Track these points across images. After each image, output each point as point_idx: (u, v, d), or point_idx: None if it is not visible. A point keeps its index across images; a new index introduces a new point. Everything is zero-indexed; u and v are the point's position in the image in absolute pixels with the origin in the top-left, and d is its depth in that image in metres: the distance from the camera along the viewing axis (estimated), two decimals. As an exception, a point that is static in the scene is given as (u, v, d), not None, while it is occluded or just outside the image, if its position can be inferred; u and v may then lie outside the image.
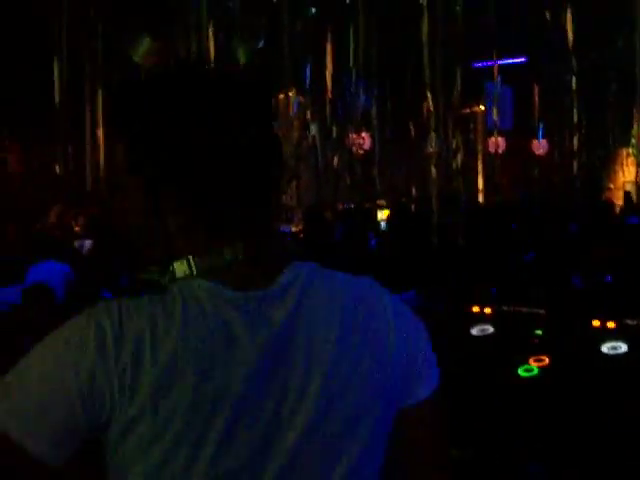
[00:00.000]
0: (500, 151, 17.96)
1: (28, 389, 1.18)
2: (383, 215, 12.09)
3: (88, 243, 7.65)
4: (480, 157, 18.99)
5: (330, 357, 1.26)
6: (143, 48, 10.21)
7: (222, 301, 1.23)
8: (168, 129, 1.24)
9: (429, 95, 9.34)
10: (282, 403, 1.23)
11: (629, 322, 3.52)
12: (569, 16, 12.66)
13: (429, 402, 1.35)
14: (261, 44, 11.36)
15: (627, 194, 14.69)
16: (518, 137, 18.41)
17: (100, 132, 10.62)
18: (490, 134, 17.57)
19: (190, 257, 1.27)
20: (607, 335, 3.48)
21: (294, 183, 13.98)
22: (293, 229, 11.10)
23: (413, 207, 11.41)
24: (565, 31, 12.91)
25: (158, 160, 1.25)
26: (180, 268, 1.27)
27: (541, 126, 18.30)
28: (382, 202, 13.90)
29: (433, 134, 9.34)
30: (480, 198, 17.99)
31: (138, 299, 1.24)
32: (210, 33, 9.23)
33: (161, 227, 1.28)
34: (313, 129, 14.11)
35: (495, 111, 15.06)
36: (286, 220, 12.37)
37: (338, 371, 1.26)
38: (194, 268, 1.26)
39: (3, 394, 1.19)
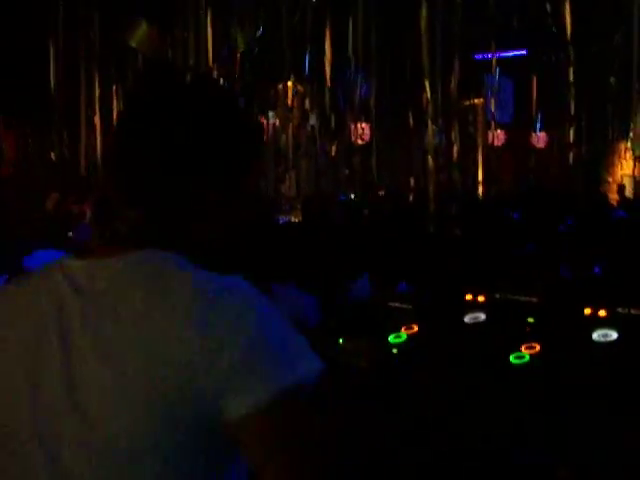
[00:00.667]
0: (499, 144, 17.96)
1: None
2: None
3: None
4: (480, 149, 18.98)
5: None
6: (139, 33, 10.16)
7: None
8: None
9: (427, 86, 9.33)
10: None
11: (620, 310, 3.54)
12: (568, 8, 12.64)
13: (252, 419, 1.16)
14: (260, 32, 11.34)
15: (621, 188, 14.68)
16: (518, 130, 18.40)
17: (97, 118, 10.62)
18: (490, 126, 17.56)
19: None
20: (598, 323, 3.50)
21: (293, 173, 13.97)
22: (293, 219, 11.09)
23: (411, 198, 11.42)
24: (564, 23, 12.89)
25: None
26: None
27: (539, 119, 18.26)
28: (382, 193, 13.89)
29: (431, 126, 9.33)
30: (480, 190, 17.98)
31: None
32: (208, 21, 9.21)
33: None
34: (312, 119, 14.06)
35: (494, 104, 15.03)
36: (286, 210, 12.36)
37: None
38: None
39: None
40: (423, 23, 9.41)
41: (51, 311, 1.26)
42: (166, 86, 1.38)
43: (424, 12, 9.34)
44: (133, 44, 10.34)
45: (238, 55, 10.43)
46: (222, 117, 1.34)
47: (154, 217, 1.31)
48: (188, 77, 1.45)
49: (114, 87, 11.84)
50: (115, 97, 11.60)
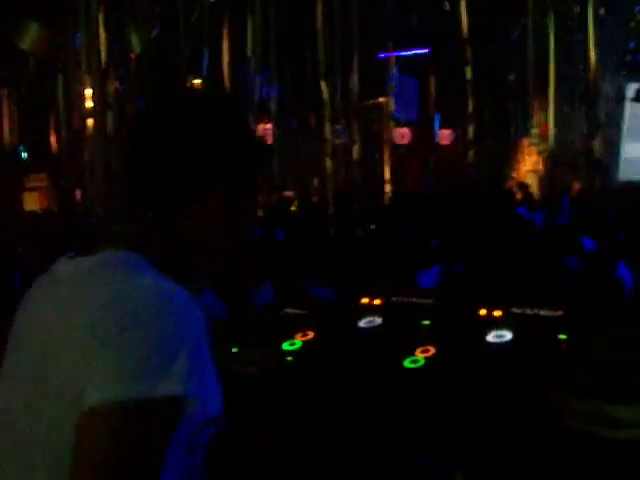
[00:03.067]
0: (405, 142, 18.12)
1: None
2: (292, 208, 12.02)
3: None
4: (385, 148, 19.11)
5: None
6: (31, 35, 9.88)
7: None
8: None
9: (323, 85, 9.29)
10: None
11: (515, 310, 3.51)
12: (464, 6, 12.81)
13: (93, 413, 1.22)
14: (156, 32, 11.13)
15: (522, 185, 14.86)
16: (423, 127, 18.60)
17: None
18: (395, 124, 17.70)
19: None
20: (493, 324, 3.46)
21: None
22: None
23: (315, 199, 11.39)
24: (462, 22, 13.06)
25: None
26: None
27: (440, 117, 18.50)
28: (289, 194, 13.84)
29: (329, 125, 9.30)
30: (387, 189, 18.10)
31: None
32: (100, 20, 8.98)
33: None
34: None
35: (396, 102, 15.14)
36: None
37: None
38: None
39: None
40: (320, 20, 9.37)
41: (35, 297, 1.46)
42: (181, 100, 1.54)
43: (321, 10, 9.29)
44: (24, 46, 10.05)
45: (133, 55, 10.22)
46: (230, 132, 1.47)
47: (147, 218, 1.42)
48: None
49: (5, 91, 11.52)
50: (7, 102, 11.26)
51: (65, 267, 1.42)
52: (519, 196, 13.39)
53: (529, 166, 18.52)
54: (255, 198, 1.56)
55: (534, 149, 17.68)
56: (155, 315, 1.26)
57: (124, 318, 1.26)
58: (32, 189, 13.62)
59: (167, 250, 1.42)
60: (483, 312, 3.43)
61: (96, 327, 1.26)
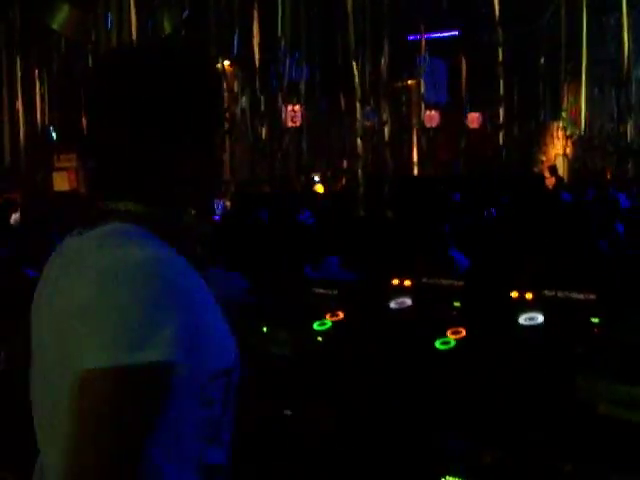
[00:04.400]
0: (434, 124, 18.01)
1: None
2: (319, 190, 12.01)
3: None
4: (414, 130, 19.01)
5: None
6: (61, 16, 9.93)
7: None
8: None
9: (355, 67, 9.25)
10: None
11: (547, 293, 3.49)
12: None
13: (83, 380, 1.27)
14: (186, 14, 11.14)
15: (552, 168, 14.71)
16: (452, 110, 18.47)
17: (19, 103, 10.32)
18: (425, 107, 17.61)
19: None
20: (525, 306, 3.45)
21: (227, 157, 13.81)
22: (227, 203, 10.99)
23: (344, 180, 11.35)
24: (493, 4, 12.93)
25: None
26: None
27: (469, 100, 18.36)
28: (317, 175, 13.80)
29: (360, 108, 9.25)
30: (415, 171, 18.03)
31: None
32: (132, 2, 9.01)
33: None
34: (244, 101, 13.90)
35: (426, 84, 15.05)
36: (220, 194, 12.22)
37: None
38: None
39: None
40: (351, 2, 9.31)
41: (47, 275, 1.47)
42: (138, 49, 1.56)
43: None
44: (55, 26, 10.10)
45: (164, 37, 10.25)
46: (194, 80, 1.46)
47: (110, 169, 1.43)
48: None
49: (36, 71, 11.58)
50: (38, 81, 11.33)
51: (71, 243, 1.45)
52: (551, 181, 13.29)
53: (558, 149, 18.38)
54: (217, 151, 1.56)
55: (563, 133, 17.53)
56: (142, 283, 1.29)
57: (114, 288, 1.29)
58: (62, 169, 13.71)
59: (161, 192, 1.45)
60: (515, 294, 3.42)
61: (89, 297, 1.30)
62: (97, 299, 1.29)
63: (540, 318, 3.26)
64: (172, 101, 1.43)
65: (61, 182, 13.48)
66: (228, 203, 10.92)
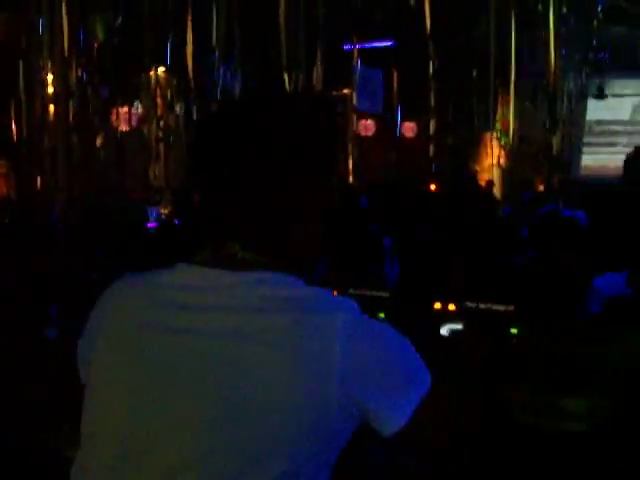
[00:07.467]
0: (369, 133, 18.11)
1: None
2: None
3: None
4: (349, 140, 19.08)
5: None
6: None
7: None
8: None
9: (286, 77, 9.28)
10: None
11: (469, 304, 3.57)
12: (428, 1, 12.84)
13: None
14: (119, 20, 11.05)
15: (489, 183, 14.88)
16: (389, 119, 18.59)
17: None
18: (360, 117, 17.71)
19: None
20: (447, 317, 3.52)
21: (162, 164, 13.72)
22: (162, 211, 10.90)
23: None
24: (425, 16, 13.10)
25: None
26: None
27: (405, 109, 18.50)
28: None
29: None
30: (350, 180, 18.08)
31: None
32: (63, 7, 8.91)
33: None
34: (178, 108, 13.82)
35: (358, 94, 15.15)
36: (155, 202, 12.12)
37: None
38: None
39: None
40: (285, 12, 9.35)
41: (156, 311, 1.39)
42: (263, 101, 1.47)
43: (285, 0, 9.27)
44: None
45: (96, 44, 10.14)
46: (321, 121, 1.45)
47: (252, 217, 1.38)
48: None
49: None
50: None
51: (209, 276, 1.39)
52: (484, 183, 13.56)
53: (493, 160, 18.58)
54: (336, 180, 1.55)
55: (497, 143, 17.76)
56: (383, 325, 1.47)
57: (369, 334, 1.41)
58: (-9, 175, 13.46)
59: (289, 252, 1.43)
60: (438, 306, 3.49)
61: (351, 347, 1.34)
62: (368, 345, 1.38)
63: (461, 328, 3.33)
64: (318, 152, 1.43)
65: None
66: (163, 210, 10.83)
